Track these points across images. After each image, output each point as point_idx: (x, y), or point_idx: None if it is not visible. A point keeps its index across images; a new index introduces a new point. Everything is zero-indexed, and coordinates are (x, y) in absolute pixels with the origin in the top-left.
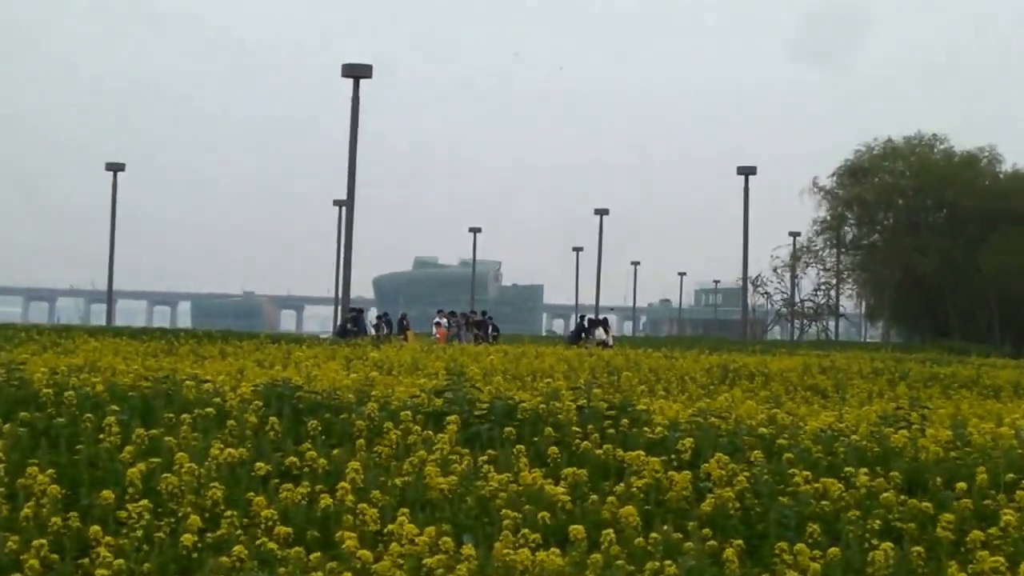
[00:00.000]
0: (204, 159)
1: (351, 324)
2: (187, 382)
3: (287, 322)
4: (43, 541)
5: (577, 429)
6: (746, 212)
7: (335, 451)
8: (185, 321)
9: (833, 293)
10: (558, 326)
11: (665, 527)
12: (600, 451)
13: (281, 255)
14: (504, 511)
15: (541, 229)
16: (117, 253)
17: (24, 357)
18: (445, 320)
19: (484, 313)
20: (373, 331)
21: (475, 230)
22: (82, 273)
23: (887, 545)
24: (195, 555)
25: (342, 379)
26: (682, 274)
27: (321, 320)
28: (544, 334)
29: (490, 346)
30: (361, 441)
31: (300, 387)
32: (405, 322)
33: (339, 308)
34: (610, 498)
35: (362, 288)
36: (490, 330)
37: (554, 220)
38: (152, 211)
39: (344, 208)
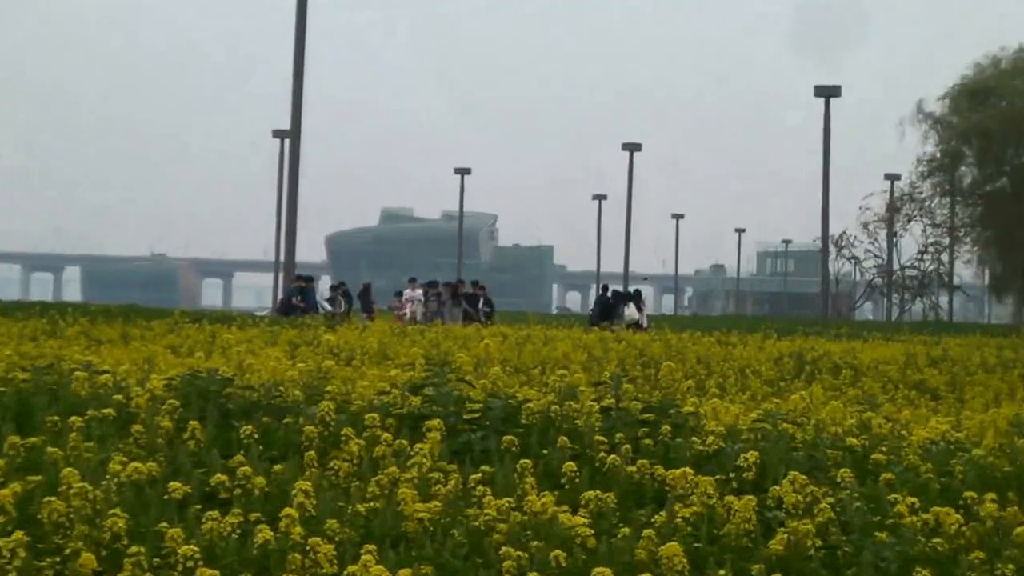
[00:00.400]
0: (97, 74)
1: (297, 297)
2: (78, 374)
3: (211, 294)
4: None
5: (602, 439)
6: (826, 147)
7: (277, 467)
8: (74, 292)
9: (945, 257)
10: (573, 301)
11: (721, 571)
12: (633, 468)
13: (204, 206)
14: (504, 549)
15: (551, 173)
16: None
17: None
18: (419, 292)
19: (476, 283)
20: (327, 307)
21: (463, 172)
22: None
23: None
24: None
25: (286, 371)
26: (740, 231)
27: (257, 292)
28: (555, 311)
29: (483, 327)
30: (312, 454)
31: (230, 381)
32: (371, 297)
33: (281, 276)
34: (647, 532)
35: (312, 250)
36: (480, 304)
37: (568, 162)
38: (29, 147)
39: (288, 142)
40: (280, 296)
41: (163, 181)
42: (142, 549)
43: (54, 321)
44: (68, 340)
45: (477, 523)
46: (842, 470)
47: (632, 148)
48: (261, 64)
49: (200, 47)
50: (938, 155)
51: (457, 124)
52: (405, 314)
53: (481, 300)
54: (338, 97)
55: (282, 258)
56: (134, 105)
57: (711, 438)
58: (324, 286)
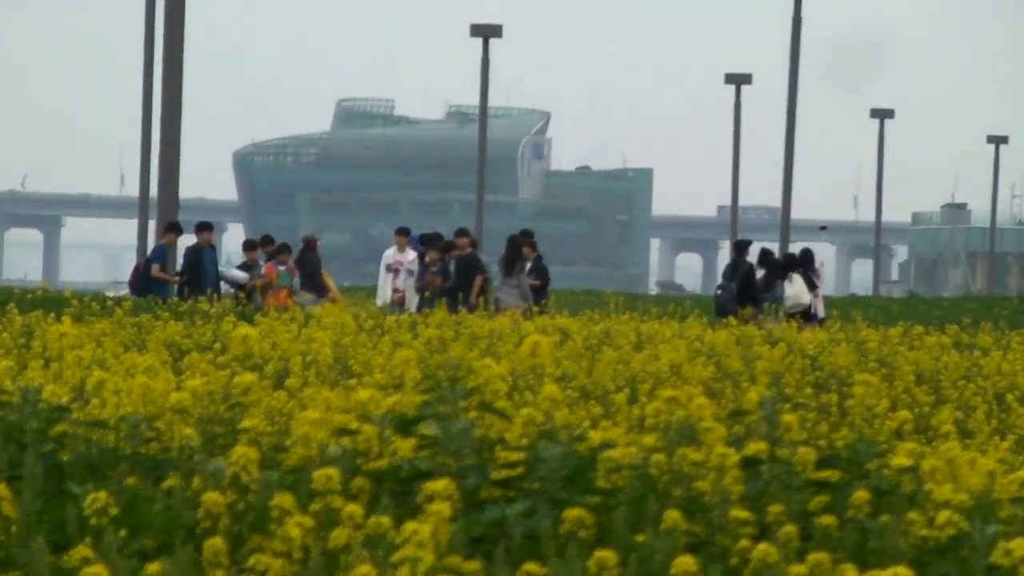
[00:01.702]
0: None
1: (160, 266)
2: None
3: (23, 256)
4: None
5: (745, 515)
6: None
7: (152, 567)
8: None
9: None
10: (688, 269)
11: None
12: (802, 568)
13: (10, 99)
14: None
15: (644, 43)
16: None
17: None
18: (412, 254)
19: (521, 239)
20: (237, 277)
21: (487, 31)
22: None
23: None
24: None
25: (166, 393)
26: (998, 142)
27: (109, 255)
28: (654, 289)
29: (525, 315)
30: (217, 542)
31: (63, 411)
32: (320, 263)
33: (152, 225)
34: None
35: (216, 178)
36: (525, 273)
37: (672, 22)
38: None
39: None
40: (142, 261)
41: None
42: None
43: None
44: None
45: None
46: None
47: None
48: None
49: None
50: None
51: None
52: (284, 292)
53: (522, 267)
54: None
55: (153, 192)
56: None
57: (944, 514)
58: (234, 243)
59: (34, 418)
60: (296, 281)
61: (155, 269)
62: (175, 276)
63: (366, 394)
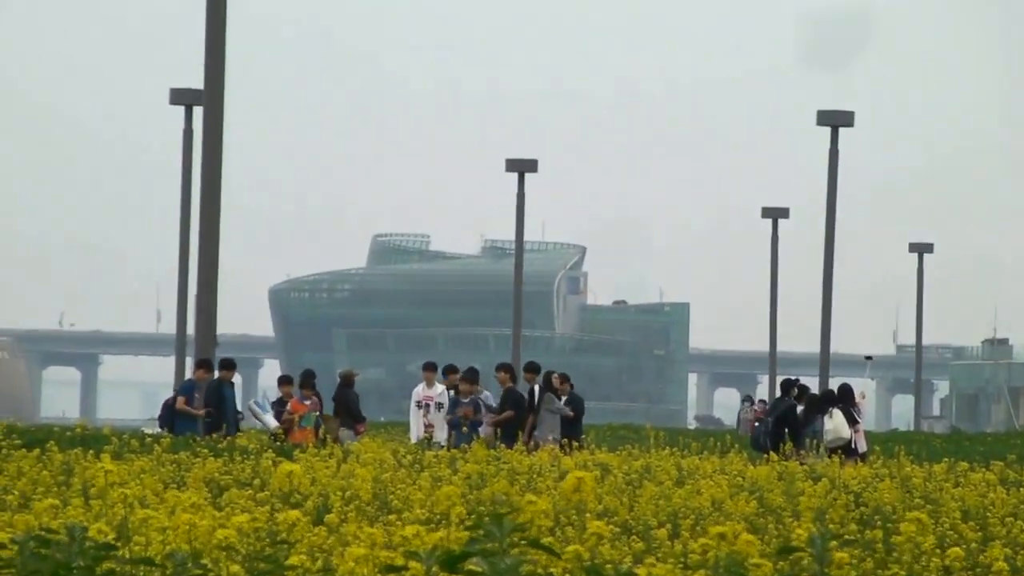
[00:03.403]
0: None
1: (184, 398)
2: None
3: (59, 396)
4: None
5: None
6: None
7: None
8: None
9: None
10: (726, 404)
11: None
12: None
13: (41, 231)
14: None
15: (681, 172)
16: None
17: None
18: (441, 388)
19: (535, 374)
20: (268, 421)
21: (522, 166)
22: None
23: None
24: None
25: (212, 531)
26: None
27: (147, 392)
28: (692, 424)
29: (562, 451)
30: None
31: (109, 549)
32: (356, 398)
33: (189, 362)
34: None
35: (249, 309)
36: (553, 404)
37: (713, 151)
38: None
39: (202, 110)
40: (170, 397)
41: None
42: None
43: None
44: None
45: None
46: None
47: (833, 121)
48: None
49: None
50: None
51: (511, 98)
52: (308, 431)
53: (553, 399)
54: (291, 30)
55: (190, 329)
56: None
57: None
58: (270, 379)
59: (80, 556)
60: (315, 415)
61: (180, 401)
62: (201, 410)
63: (412, 530)
